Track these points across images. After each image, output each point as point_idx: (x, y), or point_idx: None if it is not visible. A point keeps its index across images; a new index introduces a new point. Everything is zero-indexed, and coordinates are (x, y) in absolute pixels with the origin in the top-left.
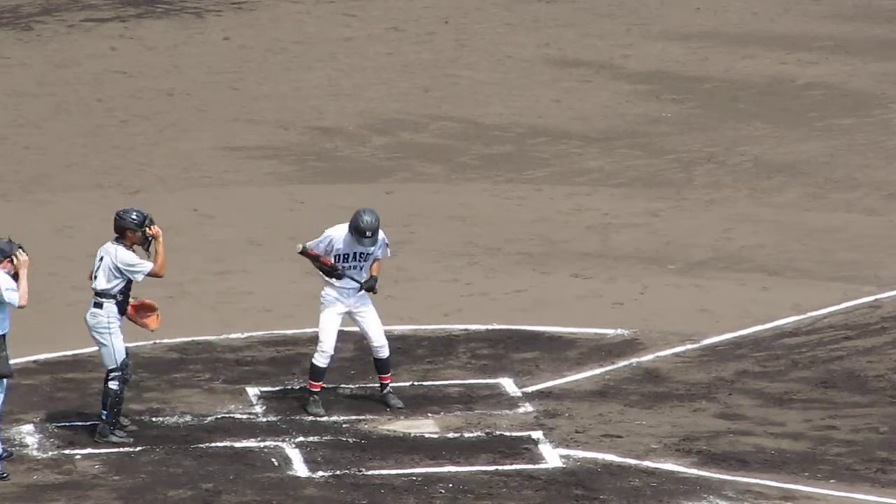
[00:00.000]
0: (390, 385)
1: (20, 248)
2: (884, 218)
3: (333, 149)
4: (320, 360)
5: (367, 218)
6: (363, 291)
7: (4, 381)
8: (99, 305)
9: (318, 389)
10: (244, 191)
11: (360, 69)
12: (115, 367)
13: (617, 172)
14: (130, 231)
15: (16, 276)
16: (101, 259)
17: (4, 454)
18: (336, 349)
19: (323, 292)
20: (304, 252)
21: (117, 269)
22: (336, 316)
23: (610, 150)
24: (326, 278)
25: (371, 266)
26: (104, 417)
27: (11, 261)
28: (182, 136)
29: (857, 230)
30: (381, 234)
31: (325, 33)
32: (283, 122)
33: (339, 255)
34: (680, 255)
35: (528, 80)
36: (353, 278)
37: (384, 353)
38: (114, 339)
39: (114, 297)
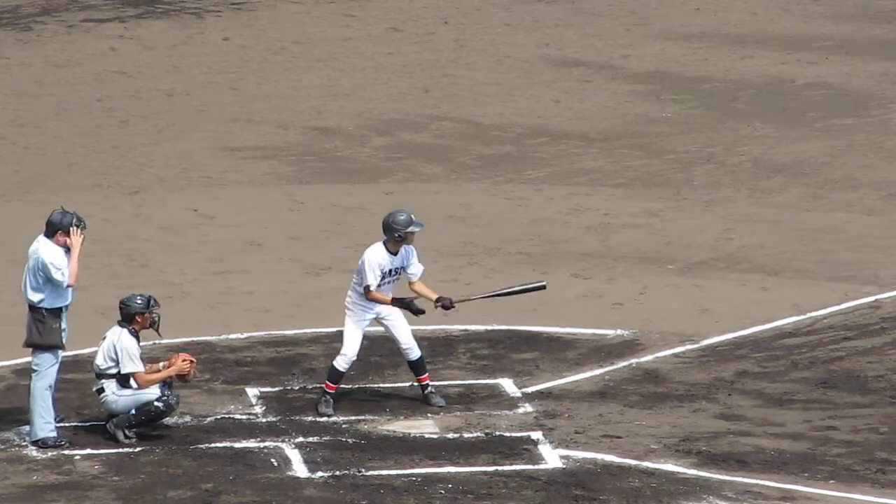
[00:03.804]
0: (430, 384)
1: (77, 222)
2: (884, 218)
3: (333, 149)
4: (342, 363)
5: (401, 214)
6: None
7: (59, 352)
8: (101, 391)
9: (333, 391)
10: (244, 191)
11: (359, 69)
12: (158, 395)
13: (617, 172)
14: (139, 315)
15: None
16: (105, 339)
17: (58, 418)
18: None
19: (349, 300)
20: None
21: (114, 350)
22: (362, 321)
23: (610, 150)
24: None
25: (414, 286)
26: (131, 415)
27: (68, 234)
28: (182, 136)
29: (857, 230)
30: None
31: (325, 33)
32: (282, 122)
33: (385, 272)
34: (680, 255)
35: (527, 80)
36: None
37: (414, 354)
38: (129, 399)
39: (113, 376)
